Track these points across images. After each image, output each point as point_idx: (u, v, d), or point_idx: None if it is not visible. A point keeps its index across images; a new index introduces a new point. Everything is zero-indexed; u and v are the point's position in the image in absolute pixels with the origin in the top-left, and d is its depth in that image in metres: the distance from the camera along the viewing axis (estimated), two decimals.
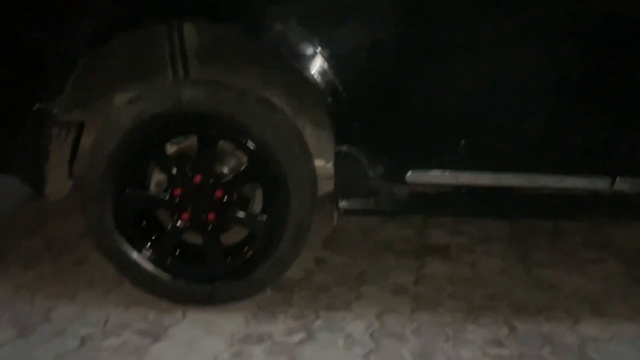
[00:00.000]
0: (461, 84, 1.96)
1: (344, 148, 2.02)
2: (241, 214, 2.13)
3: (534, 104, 1.97)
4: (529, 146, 2.01)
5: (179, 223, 2.13)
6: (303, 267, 2.43)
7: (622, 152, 1.99)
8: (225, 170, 2.14)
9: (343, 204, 2.08)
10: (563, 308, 2.21)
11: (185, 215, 2.11)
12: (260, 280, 2.17)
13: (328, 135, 2.08)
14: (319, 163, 2.17)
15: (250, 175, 2.14)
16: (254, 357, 1.95)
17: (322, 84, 1.97)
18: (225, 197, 2.10)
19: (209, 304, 2.17)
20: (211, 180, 2.09)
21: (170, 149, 2.15)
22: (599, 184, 2.01)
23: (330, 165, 2.11)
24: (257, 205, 2.19)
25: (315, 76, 1.96)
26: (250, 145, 2.08)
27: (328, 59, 1.95)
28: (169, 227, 2.15)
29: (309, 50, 1.95)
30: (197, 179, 2.09)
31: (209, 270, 2.18)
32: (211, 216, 2.11)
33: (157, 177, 2.15)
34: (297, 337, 2.04)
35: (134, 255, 2.15)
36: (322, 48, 1.95)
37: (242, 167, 2.13)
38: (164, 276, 2.16)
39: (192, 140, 2.13)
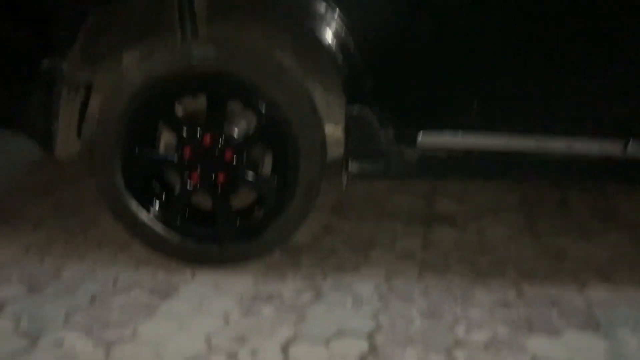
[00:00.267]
0: (474, 44, 1.95)
1: (355, 109, 2.01)
2: (250, 176, 2.13)
3: (545, 63, 1.96)
4: (540, 107, 2.00)
5: (188, 184, 2.13)
6: (311, 232, 2.43)
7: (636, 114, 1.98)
8: (235, 131, 2.13)
9: (353, 167, 2.07)
10: (570, 274, 2.22)
11: (195, 176, 2.11)
12: (270, 241, 2.17)
13: (338, 98, 2.07)
14: (328, 127, 2.16)
15: (259, 136, 2.13)
16: (264, 314, 1.96)
17: (334, 43, 1.95)
18: (235, 158, 2.10)
19: (218, 264, 2.18)
20: (221, 141, 2.09)
21: (180, 108, 2.14)
22: (611, 148, 2.00)
23: (340, 128, 2.10)
24: (266, 167, 2.18)
25: (327, 35, 1.94)
26: (261, 105, 2.07)
27: (341, 17, 1.93)
28: (178, 187, 2.16)
29: (321, 9, 1.93)
30: (207, 139, 2.09)
31: (219, 231, 2.18)
32: (221, 177, 2.11)
33: (166, 138, 2.15)
34: (306, 296, 2.05)
35: (144, 215, 2.15)
36: (334, 6, 1.93)
37: (252, 128, 2.12)
38: (174, 236, 2.17)
39: (201, 100, 2.12)
